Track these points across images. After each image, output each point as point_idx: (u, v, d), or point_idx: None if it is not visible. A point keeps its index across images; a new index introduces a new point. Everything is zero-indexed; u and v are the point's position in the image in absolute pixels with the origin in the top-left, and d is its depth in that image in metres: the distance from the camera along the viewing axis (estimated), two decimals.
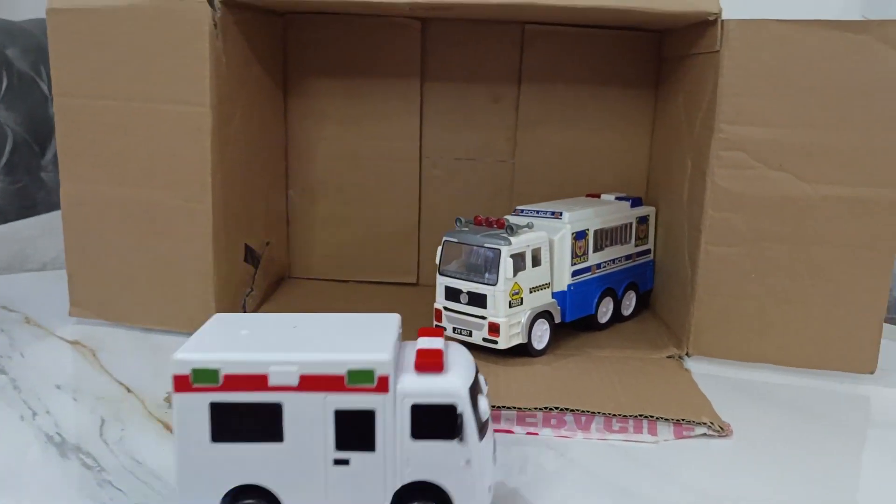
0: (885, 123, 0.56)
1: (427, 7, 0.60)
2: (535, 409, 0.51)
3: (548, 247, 0.61)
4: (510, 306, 0.58)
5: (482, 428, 0.37)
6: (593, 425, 0.50)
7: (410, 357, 0.37)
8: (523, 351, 0.60)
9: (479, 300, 0.59)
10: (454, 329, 0.60)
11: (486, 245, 0.58)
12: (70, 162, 0.63)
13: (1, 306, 0.70)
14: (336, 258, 0.81)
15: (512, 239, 0.58)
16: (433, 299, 0.62)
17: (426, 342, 0.38)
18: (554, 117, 0.77)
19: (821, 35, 0.55)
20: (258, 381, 0.36)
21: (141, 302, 0.64)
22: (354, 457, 0.36)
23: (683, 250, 0.65)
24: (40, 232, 1.06)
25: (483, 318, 0.58)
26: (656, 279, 0.73)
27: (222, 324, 0.39)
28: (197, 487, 0.36)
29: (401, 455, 0.36)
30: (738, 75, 0.57)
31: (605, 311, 0.68)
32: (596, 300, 0.66)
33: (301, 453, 0.36)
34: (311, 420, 0.36)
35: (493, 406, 0.49)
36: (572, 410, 0.51)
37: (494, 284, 0.58)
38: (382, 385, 0.36)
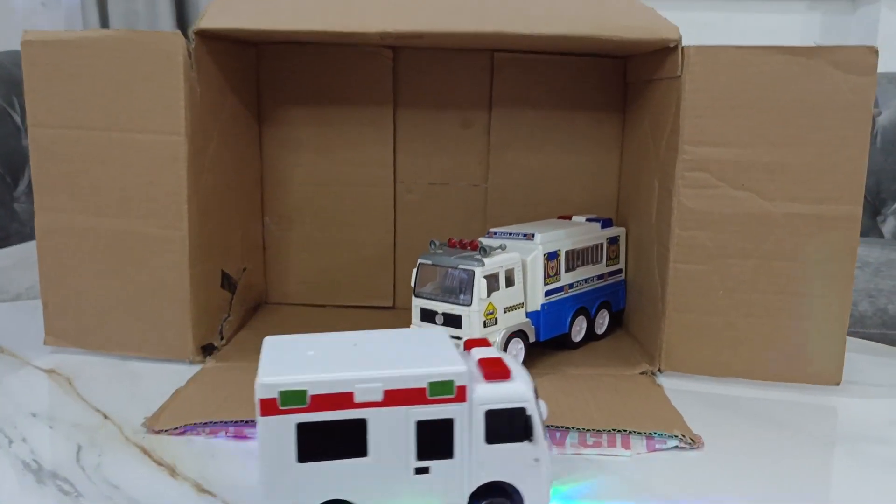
0: (838, 142, 0.58)
1: (398, 36, 0.62)
2: None
3: (521, 267, 0.62)
4: (485, 326, 0.59)
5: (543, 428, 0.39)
6: (567, 440, 0.51)
7: (473, 367, 0.39)
8: None
9: (454, 321, 0.60)
10: None
11: (460, 266, 0.59)
12: (44, 192, 0.63)
13: None
14: (312, 283, 0.82)
15: (485, 260, 0.59)
16: (409, 322, 0.63)
17: (482, 352, 0.41)
18: (524, 142, 0.79)
19: (775, 59, 0.58)
20: (344, 399, 0.36)
21: (117, 330, 0.64)
22: (434, 465, 0.38)
23: (653, 268, 0.66)
24: (13, 263, 1.05)
25: (459, 338, 0.59)
26: (628, 298, 0.75)
27: (281, 347, 0.40)
28: None
29: (476, 459, 0.38)
30: (699, 98, 0.59)
31: (578, 330, 0.69)
32: (569, 319, 0.67)
33: (384, 466, 0.37)
34: (393, 433, 0.37)
35: None
36: (547, 426, 0.52)
37: (469, 305, 0.59)
38: (461, 395, 0.37)
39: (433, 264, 0.61)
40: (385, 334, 0.42)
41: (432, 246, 0.63)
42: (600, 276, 0.71)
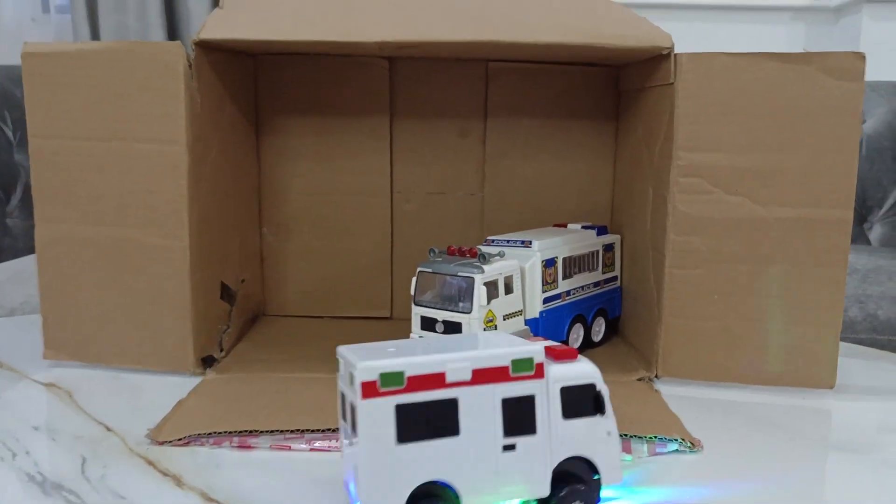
0: (829, 146, 0.59)
1: (395, 46, 0.63)
2: None
3: (519, 275, 0.63)
4: None
5: None
6: None
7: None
8: None
9: (454, 328, 0.60)
10: None
11: (459, 274, 0.60)
12: (45, 203, 0.64)
13: None
14: (310, 294, 0.82)
15: (485, 267, 0.60)
16: (408, 332, 0.63)
17: (544, 343, 0.43)
18: (520, 150, 0.79)
19: (767, 66, 0.59)
20: (437, 380, 0.38)
21: (117, 342, 0.64)
22: (520, 441, 0.40)
23: (649, 274, 0.67)
24: (7, 278, 1.05)
25: None
26: (624, 304, 0.75)
27: (359, 349, 0.41)
28: (384, 490, 0.38)
29: (556, 434, 0.40)
30: (692, 105, 0.60)
31: (575, 338, 0.70)
32: (567, 326, 0.68)
33: (475, 444, 0.39)
34: (482, 411, 0.39)
35: None
36: None
37: (469, 312, 0.59)
38: (539, 371, 0.40)
39: (433, 272, 0.61)
40: (455, 336, 0.45)
41: (432, 254, 0.63)
42: (597, 284, 0.72)
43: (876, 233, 1.64)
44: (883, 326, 1.08)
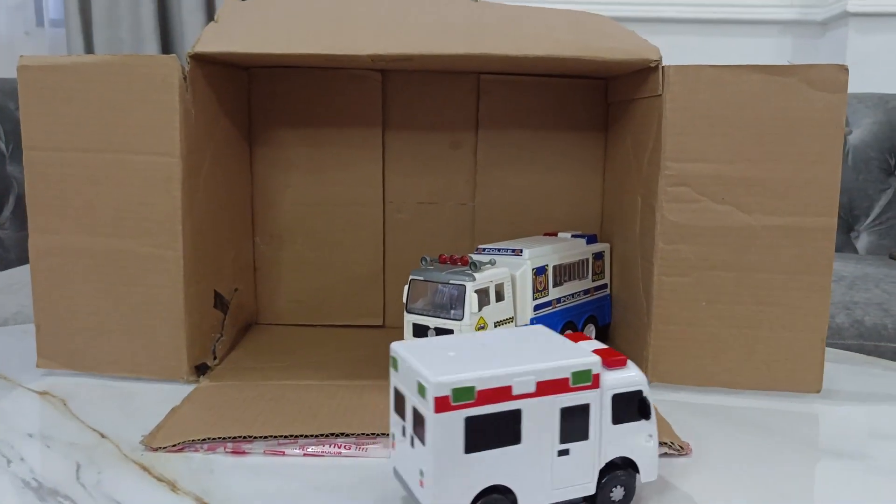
0: (813, 157, 0.60)
1: (389, 59, 0.64)
2: None
3: (510, 282, 0.64)
4: None
5: None
6: None
7: None
8: None
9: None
10: None
11: (451, 282, 0.61)
12: (39, 214, 0.64)
13: None
14: (303, 303, 0.82)
15: (476, 275, 0.60)
16: (399, 340, 0.63)
17: (591, 344, 0.45)
18: (510, 161, 0.81)
19: (752, 78, 0.60)
20: (504, 393, 0.40)
21: (111, 351, 0.65)
22: (573, 446, 0.42)
23: (638, 282, 0.68)
24: (0, 288, 1.05)
25: None
26: (614, 312, 0.76)
27: (418, 350, 0.43)
28: (450, 495, 0.40)
29: (605, 439, 0.43)
30: (679, 116, 0.61)
31: None
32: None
33: (534, 451, 0.41)
34: (543, 420, 0.41)
35: None
36: None
37: (461, 319, 0.60)
38: (595, 381, 0.42)
39: (424, 280, 0.62)
40: (501, 333, 0.46)
41: (423, 262, 0.64)
42: (586, 291, 0.73)
43: (863, 241, 1.66)
44: (869, 333, 1.09)
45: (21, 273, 1.17)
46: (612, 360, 0.43)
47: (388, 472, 0.49)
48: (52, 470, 0.49)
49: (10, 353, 0.71)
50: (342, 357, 0.71)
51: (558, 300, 0.69)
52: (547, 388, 0.41)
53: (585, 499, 0.43)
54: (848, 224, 1.66)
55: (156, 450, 0.51)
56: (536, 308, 0.66)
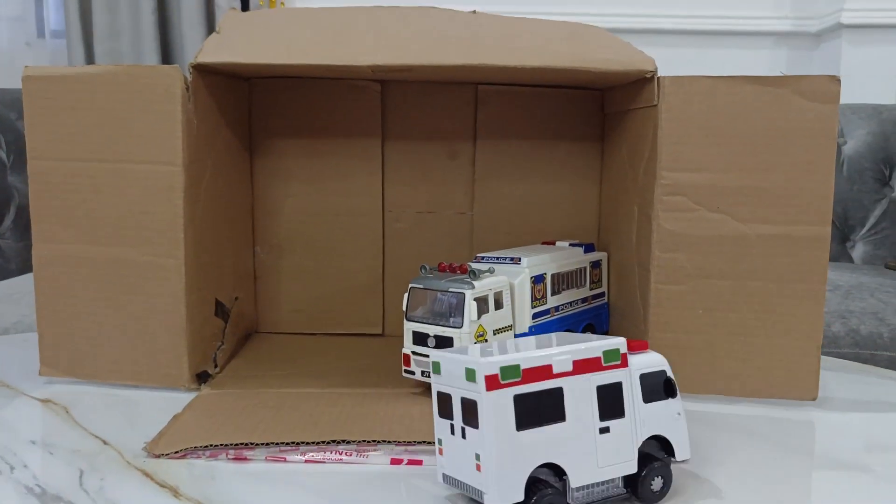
0: (805, 166, 0.61)
1: (388, 70, 0.65)
2: None
3: (509, 290, 0.64)
4: None
5: None
6: None
7: None
8: None
9: (445, 343, 0.61)
10: (422, 372, 0.63)
11: (450, 289, 0.61)
12: (42, 223, 0.65)
13: None
14: (303, 312, 0.83)
15: (475, 283, 0.61)
16: (399, 348, 0.64)
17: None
18: (508, 171, 0.81)
19: (745, 89, 0.61)
20: (545, 371, 0.43)
21: (113, 359, 0.65)
22: (613, 424, 0.45)
23: (635, 290, 0.69)
24: (1, 298, 1.05)
25: None
26: (612, 320, 0.77)
27: (457, 351, 0.46)
28: (507, 474, 0.41)
29: (639, 417, 0.46)
30: (675, 126, 0.62)
31: None
32: None
33: (579, 428, 0.44)
34: (582, 398, 0.44)
35: None
36: None
37: (460, 327, 0.60)
38: (624, 360, 0.46)
39: (424, 288, 0.63)
40: (526, 337, 0.50)
41: (423, 271, 0.65)
42: (584, 300, 0.74)
43: (858, 251, 1.67)
44: (865, 341, 1.10)
45: (21, 283, 1.17)
46: (634, 344, 0.47)
47: (389, 479, 0.50)
48: (55, 476, 0.49)
49: (12, 362, 0.71)
50: (342, 365, 0.72)
51: (556, 308, 0.70)
52: (583, 366, 0.44)
53: (626, 485, 0.45)
54: (843, 234, 1.67)
55: (158, 456, 0.52)
56: (535, 316, 0.67)
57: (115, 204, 0.63)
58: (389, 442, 0.53)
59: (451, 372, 0.44)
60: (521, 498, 0.41)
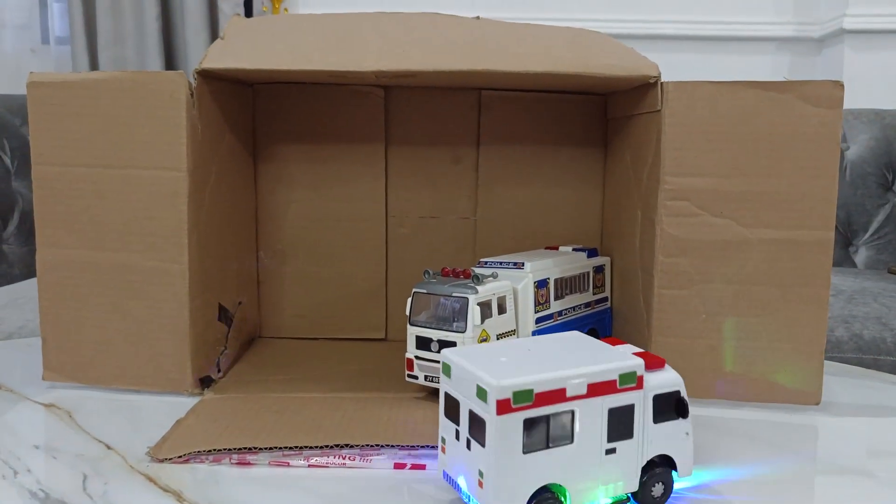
0: (808, 171, 0.61)
1: (392, 75, 0.65)
2: None
3: (512, 295, 0.64)
4: None
5: None
6: None
7: None
8: None
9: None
10: (426, 377, 0.63)
11: (454, 294, 0.61)
12: (47, 228, 0.65)
13: None
14: (306, 317, 0.83)
15: (478, 288, 0.61)
16: (402, 353, 0.64)
17: (628, 347, 0.47)
18: (511, 176, 0.82)
19: (748, 94, 0.61)
20: (558, 395, 0.42)
21: (116, 364, 0.65)
22: (619, 445, 0.44)
23: (638, 295, 0.69)
24: (5, 303, 1.06)
25: None
26: (614, 324, 0.77)
27: (470, 356, 0.45)
28: (508, 494, 0.41)
29: (647, 437, 0.45)
30: (678, 131, 0.62)
31: None
32: None
33: (585, 450, 0.43)
34: (593, 421, 0.43)
35: None
36: None
37: (463, 332, 0.61)
38: (640, 383, 0.44)
39: (427, 293, 0.63)
40: (542, 339, 0.49)
41: (426, 275, 0.65)
42: (587, 304, 0.74)
43: (861, 256, 1.67)
44: (868, 346, 1.09)
45: (25, 288, 1.17)
46: (652, 361, 0.45)
47: (392, 483, 0.50)
48: (59, 481, 0.49)
49: (16, 367, 0.71)
50: (345, 370, 0.72)
51: (560, 313, 0.70)
52: (597, 389, 0.43)
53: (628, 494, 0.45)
54: (846, 239, 1.67)
55: (161, 461, 0.52)
56: (538, 321, 0.67)
57: (120, 209, 0.64)
58: (393, 446, 0.53)
59: (462, 380, 0.43)
60: None
